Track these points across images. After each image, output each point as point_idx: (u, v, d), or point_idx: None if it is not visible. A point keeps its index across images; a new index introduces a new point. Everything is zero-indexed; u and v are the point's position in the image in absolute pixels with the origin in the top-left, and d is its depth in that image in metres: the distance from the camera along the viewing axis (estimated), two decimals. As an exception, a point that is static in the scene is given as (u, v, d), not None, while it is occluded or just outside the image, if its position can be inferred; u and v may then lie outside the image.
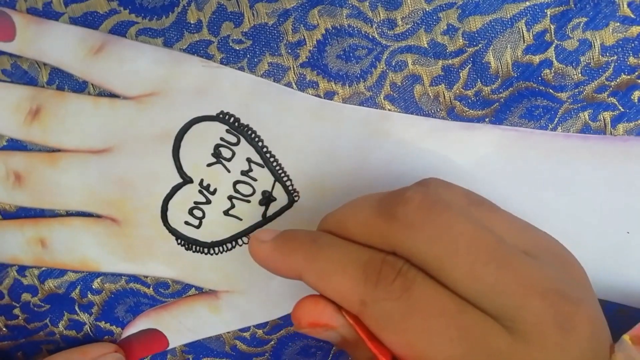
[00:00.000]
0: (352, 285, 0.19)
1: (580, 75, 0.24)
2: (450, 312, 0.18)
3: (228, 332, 0.29)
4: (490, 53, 0.24)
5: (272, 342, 0.29)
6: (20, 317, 0.29)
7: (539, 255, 0.19)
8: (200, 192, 0.27)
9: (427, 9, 0.24)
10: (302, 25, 0.24)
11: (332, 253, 0.20)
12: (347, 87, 0.25)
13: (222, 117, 0.26)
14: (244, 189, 0.27)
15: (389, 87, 0.25)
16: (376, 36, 0.24)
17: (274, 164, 0.26)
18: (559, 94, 0.25)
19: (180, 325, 0.29)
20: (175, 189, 0.27)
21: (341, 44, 0.25)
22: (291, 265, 0.21)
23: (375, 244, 0.20)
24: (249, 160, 0.26)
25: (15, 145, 0.27)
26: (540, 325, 0.17)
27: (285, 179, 0.27)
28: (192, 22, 0.25)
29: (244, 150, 0.26)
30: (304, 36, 0.25)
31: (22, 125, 0.26)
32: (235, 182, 0.27)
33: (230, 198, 0.27)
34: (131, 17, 0.25)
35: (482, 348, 0.17)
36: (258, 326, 0.29)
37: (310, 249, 0.20)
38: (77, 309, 0.29)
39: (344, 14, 0.24)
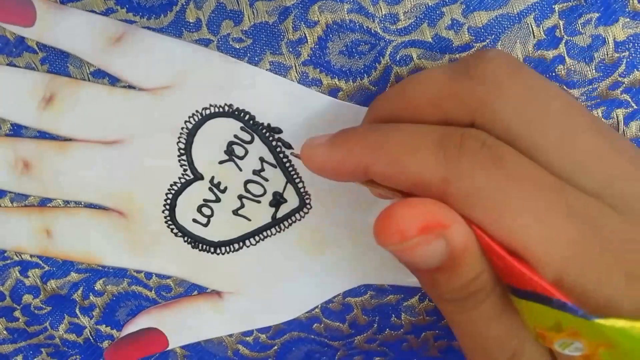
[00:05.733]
0: (430, 163, 0.17)
1: (594, 71, 0.25)
2: (551, 188, 0.16)
3: (231, 337, 0.30)
4: (499, 48, 0.24)
5: (276, 347, 0.30)
6: (20, 320, 0.30)
7: (624, 138, 0.18)
8: (210, 189, 0.27)
9: (430, 4, 0.24)
10: (302, 22, 0.25)
11: (400, 136, 0.18)
12: (351, 82, 0.26)
13: (237, 114, 0.26)
14: (254, 188, 0.27)
15: (394, 81, 0.26)
16: (379, 31, 0.25)
17: (287, 164, 0.27)
18: (571, 91, 0.25)
19: (181, 325, 0.29)
20: (185, 185, 0.27)
21: (343, 39, 0.25)
22: (355, 160, 0.19)
23: (450, 116, 0.18)
24: (261, 159, 0.27)
25: (19, 132, 0.28)
26: None
27: (297, 180, 0.27)
28: (191, 20, 0.25)
29: (258, 149, 0.27)
30: (304, 34, 0.25)
31: (34, 112, 0.27)
32: (247, 182, 0.27)
33: (240, 197, 0.27)
34: (129, 15, 0.26)
35: (592, 229, 0.16)
36: (261, 330, 0.30)
37: (374, 138, 0.19)
38: (77, 312, 0.30)
39: (345, 9, 0.25)
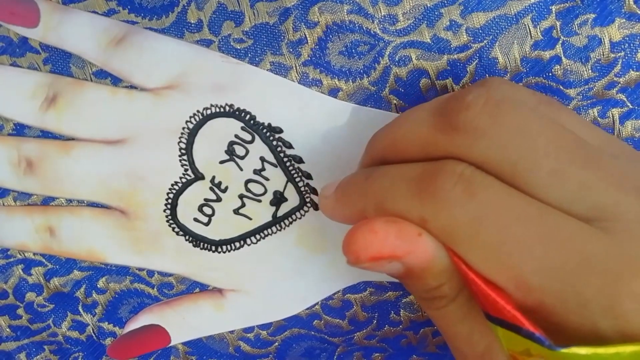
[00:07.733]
0: (407, 204, 0.18)
1: (590, 71, 0.25)
2: (530, 216, 0.16)
3: (232, 333, 0.30)
4: (497, 49, 0.25)
5: (276, 344, 0.30)
6: (23, 317, 0.30)
7: (619, 155, 0.18)
8: (211, 189, 0.27)
9: (428, 5, 0.25)
10: (302, 23, 0.25)
11: (383, 181, 0.19)
12: (351, 82, 0.26)
13: (237, 114, 0.26)
14: (255, 188, 0.27)
15: (394, 81, 0.26)
16: (378, 32, 0.25)
17: (287, 164, 0.27)
18: (568, 91, 0.25)
19: (183, 322, 0.29)
20: (187, 185, 0.27)
21: (343, 40, 0.25)
22: (354, 209, 0.20)
23: (438, 158, 0.18)
24: (262, 159, 0.27)
25: (23, 132, 0.28)
26: None
27: (297, 179, 0.27)
28: (192, 21, 0.26)
29: (258, 148, 0.27)
30: (305, 34, 0.25)
31: (37, 112, 0.27)
32: (247, 181, 0.27)
33: (241, 197, 0.27)
34: (130, 16, 0.26)
35: (575, 253, 0.16)
36: (262, 327, 0.30)
37: (365, 186, 0.20)
38: (80, 309, 0.30)
39: (345, 10, 0.25)
